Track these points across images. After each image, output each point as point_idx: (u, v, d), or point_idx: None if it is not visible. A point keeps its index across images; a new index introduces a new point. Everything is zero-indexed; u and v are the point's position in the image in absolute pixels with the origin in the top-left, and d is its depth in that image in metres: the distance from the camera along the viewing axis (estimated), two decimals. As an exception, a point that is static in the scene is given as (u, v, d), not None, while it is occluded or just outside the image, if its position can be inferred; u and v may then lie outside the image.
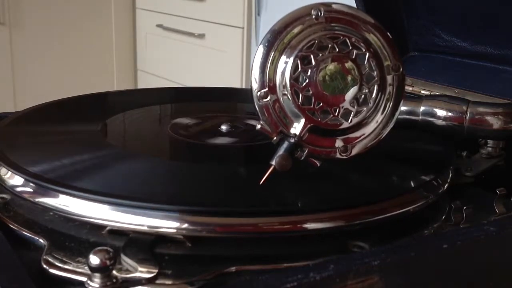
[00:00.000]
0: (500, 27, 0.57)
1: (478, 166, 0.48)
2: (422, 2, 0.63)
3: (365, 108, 0.38)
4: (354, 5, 0.62)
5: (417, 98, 0.47)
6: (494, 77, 0.58)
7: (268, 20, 1.43)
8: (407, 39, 0.67)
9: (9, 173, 0.39)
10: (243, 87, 1.51)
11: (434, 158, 0.46)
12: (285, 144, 0.37)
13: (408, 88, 0.62)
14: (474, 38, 0.60)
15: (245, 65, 1.53)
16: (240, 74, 1.55)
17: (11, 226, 0.37)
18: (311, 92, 0.37)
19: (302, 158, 0.37)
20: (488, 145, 0.49)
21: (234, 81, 1.55)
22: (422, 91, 0.61)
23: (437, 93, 0.58)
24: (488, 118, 0.44)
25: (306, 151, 0.37)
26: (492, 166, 0.49)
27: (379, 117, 0.39)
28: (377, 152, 0.40)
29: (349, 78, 0.37)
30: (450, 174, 0.44)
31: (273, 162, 0.36)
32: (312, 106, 0.37)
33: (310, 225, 0.35)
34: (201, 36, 1.67)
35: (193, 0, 1.67)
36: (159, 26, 1.84)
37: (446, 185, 0.42)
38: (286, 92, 0.37)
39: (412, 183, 0.40)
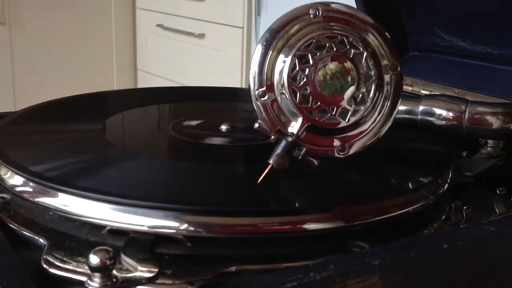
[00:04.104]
0: (500, 27, 0.57)
1: (478, 166, 0.48)
2: (422, 2, 0.63)
3: (362, 107, 0.38)
4: (354, 5, 0.62)
5: (416, 98, 0.47)
6: (494, 77, 0.58)
7: (268, 20, 1.43)
8: (407, 39, 0.67)
9: (9, 172, 0.39)
10: (243, 87, 1.51)
11: (434, 158, 0.46)
12: (283, 143, 0.37)
13: (408, 88, 0.62)
14: (474, 38, 0.60)
15: (245, 65, 1.53)
16: (240, 74, 1.55)
17: (11, 226, 0.37)
18: (309, 91, 0.37)
19: (300, 157, 0.37)
20: (488, 145, 0.49)
21: (234, 81, 1.55)
22: (422, 91, 0.61)
23: (437, 93, 0.58)
24: (487, 117, 0.44)
25: (304, 150, 0.37)
26: (492, 166, 0.49)
27: (377, 116, 0.39)
28: (377, 152, 0.40)
29: (348, 78, 0.37)
30: (450, 174, 0.44)
31: (271, 161, 0.36)
32: (309, 105, 0.37)
33: (310, 225, 0.35)
34: (201, 36, 1.66)
35: (193, 0, 1.67)
36: (159, 26, 1.84)
37: (446, 185, 0.42)
38: (284, 91, 0.37)
39: (412, 184, 0.40)
